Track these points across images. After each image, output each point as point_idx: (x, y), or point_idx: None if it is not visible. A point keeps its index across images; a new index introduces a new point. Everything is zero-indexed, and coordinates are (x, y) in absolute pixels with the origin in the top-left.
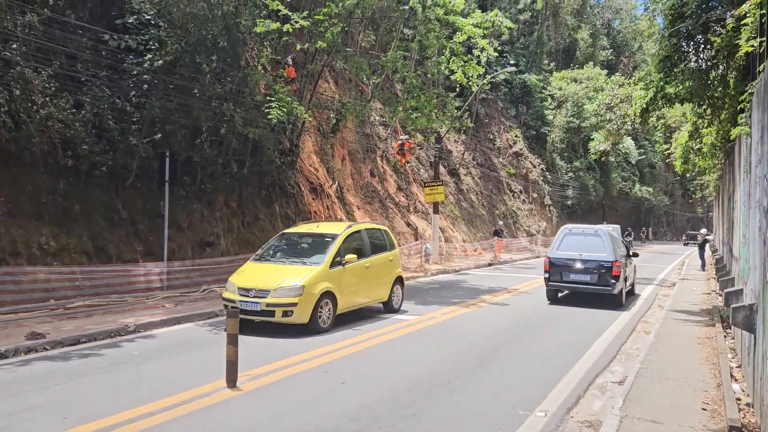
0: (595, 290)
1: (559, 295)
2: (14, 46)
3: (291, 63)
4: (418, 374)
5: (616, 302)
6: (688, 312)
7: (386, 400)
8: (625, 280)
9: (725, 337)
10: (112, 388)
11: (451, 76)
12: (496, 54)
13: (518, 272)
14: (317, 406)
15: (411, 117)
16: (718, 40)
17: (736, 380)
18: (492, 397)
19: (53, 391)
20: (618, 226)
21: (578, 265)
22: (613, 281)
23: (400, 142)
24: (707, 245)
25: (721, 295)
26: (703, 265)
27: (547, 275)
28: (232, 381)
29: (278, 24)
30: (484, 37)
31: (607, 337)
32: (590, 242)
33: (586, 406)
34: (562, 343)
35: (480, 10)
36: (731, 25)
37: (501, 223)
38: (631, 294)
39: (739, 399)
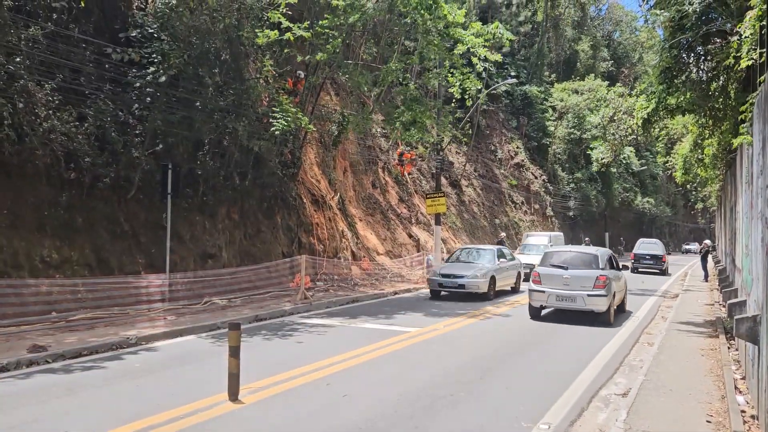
0: (655, 268)
1: (634, 272)
2: (18, 59)
3: (302, 76)
4: (420, 386)
5: (665, 274)
6: (691, 323)
7: (389, 413)
8: (666, 264)
9: (729, 348)
10: (114, 401)
11: (449, 89)
12: (498, 62)
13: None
14: (319, 420)
15: (406, 132)
16: (728, 59)
17: (740, 392)
18: (495, 410)
19: (55, 404)
20: (561, 234)
21: (647, 257)
22: (663, 264)
23: (399, 151)
24: (710, 256)
25: (724, 306)
26: (706, 276)
27: (632, 262)
28: (233, 394)
29: (276, 33)
30: (484, 47)
31: (610, 349)
32: (652, 246)
33: (589, 418)
34: (565, 354)
35: (480, 23)
36: (735, 44)
37: (503, 234)
38: (667, 272)
39: (743, 411)
